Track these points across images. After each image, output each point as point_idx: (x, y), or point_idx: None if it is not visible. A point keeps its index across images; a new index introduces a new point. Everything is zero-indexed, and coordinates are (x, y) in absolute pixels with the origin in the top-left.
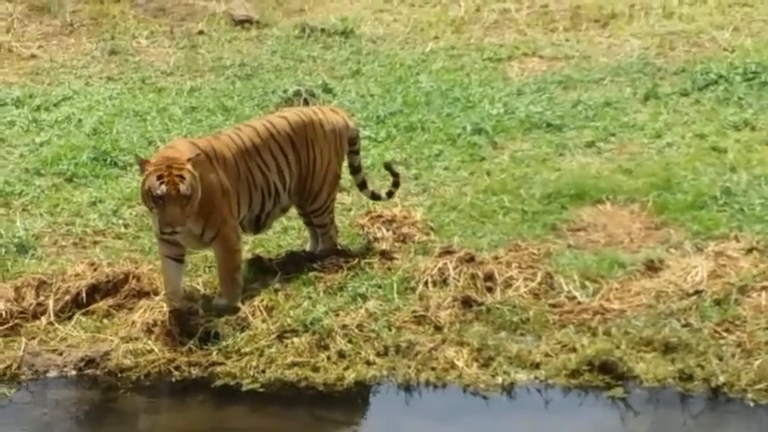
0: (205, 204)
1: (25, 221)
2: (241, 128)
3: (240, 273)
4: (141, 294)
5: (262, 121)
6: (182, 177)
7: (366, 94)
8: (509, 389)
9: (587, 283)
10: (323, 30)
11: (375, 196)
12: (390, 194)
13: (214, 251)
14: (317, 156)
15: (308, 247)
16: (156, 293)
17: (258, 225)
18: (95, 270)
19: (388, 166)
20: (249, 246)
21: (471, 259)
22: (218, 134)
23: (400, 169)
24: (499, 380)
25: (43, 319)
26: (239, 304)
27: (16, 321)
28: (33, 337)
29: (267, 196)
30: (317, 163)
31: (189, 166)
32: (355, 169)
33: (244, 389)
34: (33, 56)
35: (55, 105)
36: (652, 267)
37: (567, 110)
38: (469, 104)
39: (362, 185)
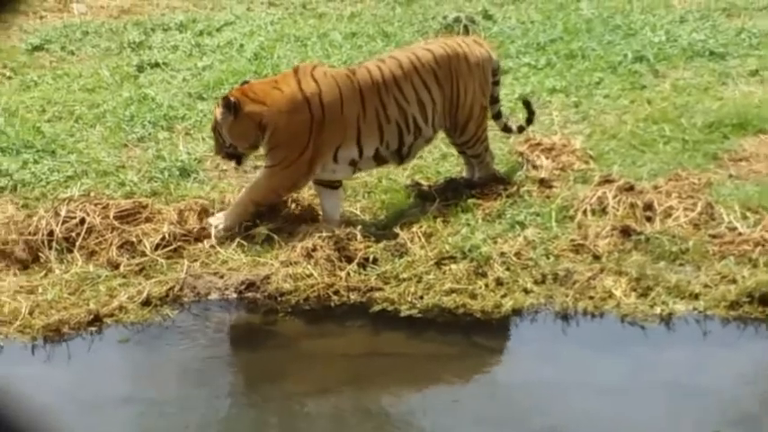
0: (273, 137)
1: (188, 145)
2: (385, 60)
3: (253, 212)
4: (301, 219)
5: (406, 52)
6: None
7: (526, 21)
8: (667, 319)
9: (748, 213)
10: None
11: (507, 129)
12: (521, 129)
13: (257, 177)
14: (461, 89)
15: (465, 174)
16: (316, 219)
17: (401, 156)
18: None
19: (526, 103)
20: (408, 172)
21: (631, 188)
22: (358, 66)
23: (559, 97)
24: (657, 310)
25: (205, 243)
26: (397, 230)
27: (179, 244)
28: (195, 260)
29: (405, 130)
30: (462, 96)
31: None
32: (493, 100)
33: (402, 314)
34: None
35: (217, 30)
36: None
37: (730, 38)
38: (631, 32)
39: (497, 116)
